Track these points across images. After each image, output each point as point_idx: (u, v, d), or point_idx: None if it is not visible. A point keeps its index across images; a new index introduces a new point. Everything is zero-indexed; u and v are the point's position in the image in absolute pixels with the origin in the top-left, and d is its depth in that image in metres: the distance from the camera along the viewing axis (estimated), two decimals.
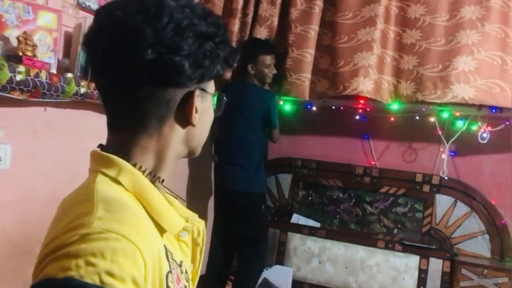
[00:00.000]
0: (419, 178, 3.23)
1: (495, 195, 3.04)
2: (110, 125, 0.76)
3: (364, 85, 2.66)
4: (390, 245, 3.16)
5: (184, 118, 0.74)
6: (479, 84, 2.49)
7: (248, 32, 2.96)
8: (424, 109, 2.88)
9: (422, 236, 3.20)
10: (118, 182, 0.70)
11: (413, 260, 3.10)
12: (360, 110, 3.25)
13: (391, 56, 2.73)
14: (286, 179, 3.58)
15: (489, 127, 2.88)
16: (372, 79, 2.67)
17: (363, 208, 3.39)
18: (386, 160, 3.37)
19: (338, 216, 3.44)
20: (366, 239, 3.25)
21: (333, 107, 3.24)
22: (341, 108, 3.21)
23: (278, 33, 2.93)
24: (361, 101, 2.84)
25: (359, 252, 3.21)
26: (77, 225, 0.60)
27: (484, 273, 2.89)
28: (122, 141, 0.74)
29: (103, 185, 0.69)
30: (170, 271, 0.68)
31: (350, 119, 3.31)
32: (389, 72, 2.73)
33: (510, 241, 3.02)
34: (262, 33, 2.92)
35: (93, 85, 1.85)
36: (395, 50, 2.73)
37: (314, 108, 3.29)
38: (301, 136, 3.56)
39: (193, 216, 0.85)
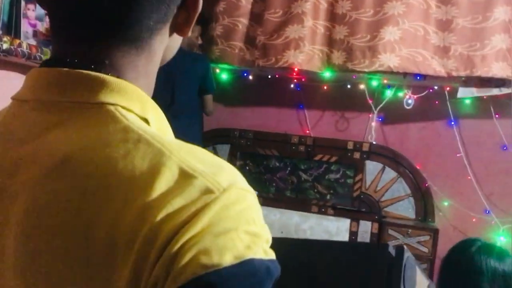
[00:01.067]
0: (350, 145, 3.36)
1: (419, 160, 3.23)
2: (75, 32, 0.51)
3: (295, 57, 2.75)
4: (323, 210, 3.30)
5: (178, 24, 0.55)
6: (404, 53, 2.63)
7: None
8: (354, 77, 3.00)
9: (353, 201, 3.36)
10: (145, 120, 0.50)
11: (344, 223, 3.26)
12: (295, 80, 3.33)
13: (323, 26, 2.82)
14: (223, 150, 3.61)
15: (414, 95, 3.05)
16: (303, 51, 2.76)
17: (298, 175, 3.50)
18: (320, 129, 3.49)
19: (274, 184, 3.53)
20: (301, 205, 3.37)
21: (269, 76, 3.29)
22: (277, 76, 3.27)
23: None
24: (295, 69, 2.91)
25: (294, 217, 3.33)
26: (201, 193, 0.41)
27: (409, 232, 3.09)
28: (100, 57, 0.50)
29: (144, 125, 0.48)
30: None
31: (286, 89, 3.38)
32: (322, 42, 2.82)
33: (432, 203, 3.24)
34: None
35: (17, 41, 1.79)
36: (328, 20, 2.82)
37: (250, 77, 3.33)
38: (238, 107, 3.60)
39: None
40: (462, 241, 1.55)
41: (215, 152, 3.58)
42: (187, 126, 2.80)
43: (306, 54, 2.75)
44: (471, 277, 1.37)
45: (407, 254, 0.51)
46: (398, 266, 0.51)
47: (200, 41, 2.87)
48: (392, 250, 0.52)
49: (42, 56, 1.95)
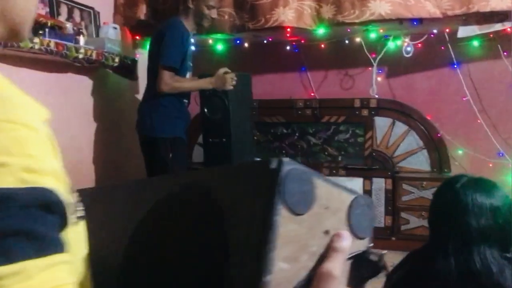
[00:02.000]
0: (357, 103, 3.27)
1: (429, 110, 3.11)
2: None
3: (285, 15, 2.67)
4: (334, 171, 3.25)
5: None
6: None
7: None
8: (349, 31, 2.89)
9: (365, 160, 3.28)
10: None
11: (357, 183, 3.19)
12: (293, 43, 3.25)
13: None
14: None
15: (413, 42, 2.92)
16: (292, 8, 2.67)
17: (307, 140, 3.44)
18: (325, 89, 3.40)
19: (284, 151, 3.49)
20: (311, 168, 3.32)
21: (265, 41, 3.22)
22: (270, 39, 3.18)
23: None
24: (288, 30, 2.83)
25: None
26: None
27: (423, 185, 3.00)
28: None
29: None
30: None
31: (284, 52, 3.31)
32: None
33: (447, 153, 3.12)
34: None
35: None
36: None
37: (246, 45, 3.26)
38: None
39: None
40: (448, 178, 1.43)
41: None
42: (152, 97, 2.53)
43: (295, 11, 2.66)
44: (457, 214, 1.28)
45: (290, 166, 0.46)
46: (275, 179, 0.46)
47: (215, 15, 2.58)
48: (274, 164, 0.47)
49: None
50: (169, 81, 2.44)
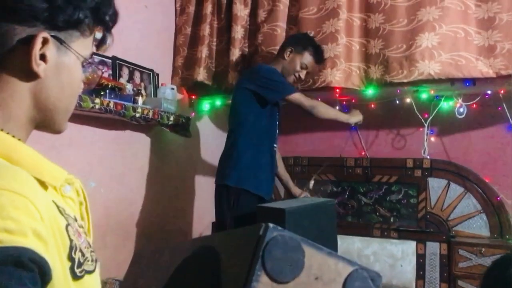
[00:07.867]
0: (409, 163, 3.20)
1: (487, 172, 2.98)
2: None
3: (332, 76, 2.73)
4: (385, 233, 3.14)
5: (23, 64, 0.60)
6: (444, 58, 2.49)
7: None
8: (398, 91, 2.88)
9: (419, 222, 3.15)
10: None
11: (410, 246, 3.06)
12: (344, 102, 3.28)
13: (358, 43, 2.78)
14: None
15: (466, 103, 2.86)
16: (340, 69, 2.73)
17: (358, 199, 3.37)
18: (376, 149, 3.37)
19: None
20: (362, 229, 3.23)
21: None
22: (319, 99, 3.22)
23: (249, 34, 3.03)
24: (337, 91, 2.87)
25: (356, 243, 3.19)
26: None
27: (482, 251, 2.82)
28: None
29: None
30: (69, 224, 0.60)
31: None
32: (358, 59, 2.77)
33: (508, 218, 2.94)
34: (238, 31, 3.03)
35: None
36: (362, 36, 2.78)
37: None
38: (289, 135, 3.60)
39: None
40: (502, 257, 1.23)
41: None
42: (230, 144, 2.63)
43: (343, 72, 2.72)
44: None
45: (276, 233, 0.48)
46: (260, 245, 0.48)
47: (302, 76, 2.67)
48: (261, 230, 0.49)
49: None
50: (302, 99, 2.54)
